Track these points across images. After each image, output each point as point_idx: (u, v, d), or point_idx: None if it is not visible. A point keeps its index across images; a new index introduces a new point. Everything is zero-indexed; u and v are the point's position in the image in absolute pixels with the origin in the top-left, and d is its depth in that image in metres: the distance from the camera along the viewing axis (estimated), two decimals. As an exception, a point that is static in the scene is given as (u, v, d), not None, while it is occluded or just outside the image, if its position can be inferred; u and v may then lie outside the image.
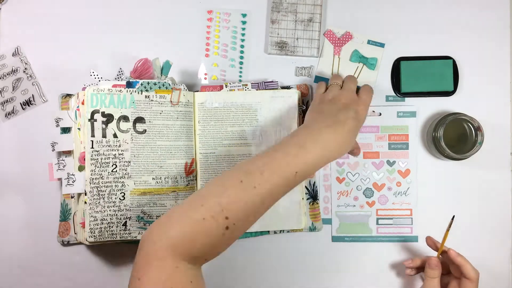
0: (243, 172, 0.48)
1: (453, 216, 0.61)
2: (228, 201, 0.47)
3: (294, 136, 0.52)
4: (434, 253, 0.62)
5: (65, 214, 0.66)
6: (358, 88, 0.61)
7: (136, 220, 0.62)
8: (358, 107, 0.56)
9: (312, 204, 0.67)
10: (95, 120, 0.62)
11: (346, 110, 0.54)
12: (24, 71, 0.70)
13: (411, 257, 0.66)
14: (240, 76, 0.70)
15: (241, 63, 0.70)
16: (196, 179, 0.66)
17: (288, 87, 0.68)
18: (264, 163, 0.49)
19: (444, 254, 0.61)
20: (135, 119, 0.63)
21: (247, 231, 0.65)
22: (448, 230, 0.61)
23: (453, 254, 0.59)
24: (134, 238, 0.62)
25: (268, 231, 0.67)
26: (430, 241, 0.63)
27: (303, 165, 0.49)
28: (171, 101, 0.64)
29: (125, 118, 0.62)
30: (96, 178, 0.61)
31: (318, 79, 0.70)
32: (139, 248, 0.47)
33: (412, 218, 0.68)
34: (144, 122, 0.63)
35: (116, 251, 0.68)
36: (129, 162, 0.62)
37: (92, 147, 0.61)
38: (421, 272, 0.65)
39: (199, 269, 0.49)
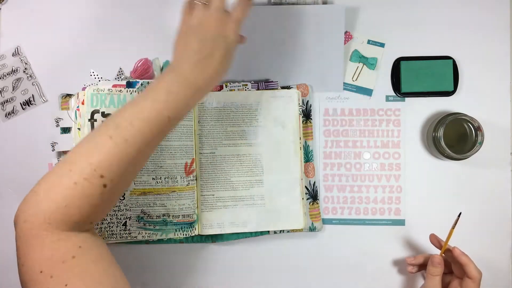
0: (112, 127, 0.45)
1: (460, 213, 0.61)
2: (100, 159, 0.43)
3: (161, 80, 0.48)
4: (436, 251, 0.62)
5: (65, 214, 0.66)
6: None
7: (136, 220, 0.62)
8: (227, 31, 0.50)
9: (312, 204, 0.67)
10: (95, 120, 0.62)
11: (213, 41, 0.49)
12: (24, 71, 0.70)
13: (413, 255, 0.66)
14: (240, 76, 0.71)
15: (241, 63, 0.71)
16: (196, 179, 0.66)
17: (288, 87, 0.68)
18: (133, 113, 0.46)
19: (447, 253, 0.61)
20: (135, 119, 0.63)
21: (248, 231, 0.66)
22: (453, 227, 0.61)
23: (458, 252, 0.58)
24: (134, 238, 0.62)
25: (268, 231, 0.67)
26: (434, 239, 0.62)
27: (174, 109, 0.47)
28: (171, 101, 0.64)
29: (125, 118, 0.62)
30: (96, 178, 0.61)
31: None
32: (15, 233, 0.44)
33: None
34: (144, 122, 0.63)
35: (116, 251, 0.68)
36: (129, 162, 0.62)
37: (92, 147, 0.61)
38: (422, 270, 0.65)
39: (89, 231, 0.46)
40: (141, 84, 0.63)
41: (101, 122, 0.61)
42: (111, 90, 0.62)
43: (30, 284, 0.41)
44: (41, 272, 0.41)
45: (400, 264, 0.68)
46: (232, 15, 0.51)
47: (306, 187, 0.67)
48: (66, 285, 0.40)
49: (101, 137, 0.45)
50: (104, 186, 0.44)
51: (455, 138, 0.65)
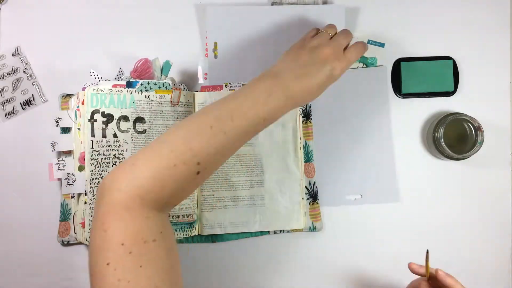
0: (213, 118, 0.48)
1: (427, 251, 0.55)
2: (200, 147, 0.46)
3: (262, 81, 0.51)
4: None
5: (65, 214, 0.66)
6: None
7: (136, 220, 0.62)
8: (337, 65, 0.53)
9: (312, 204, 0.67)
10: (95, 120, 0.62)
11: (322, 65, 0.52)
12: (24, 71, 0.70)
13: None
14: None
15: (241, 63, 0.71)
16: (196, 179, 0.66)
17: (288, 87, 0.68)
18: (233, 109, 0.48)
19: (432, 277, 0.55)
20: (135, 119, 0.63)
21: (248, 231, 0.66)
22: (427, 261, 0.55)
23: (442, 275, 0.54)
24: (134, 238, 0.62)
25: (268, 231, 0.67)
26: (415, 266, 0.57)
27: (272, 113, 0.50)
28: (171, 101, 0.64)
29: (125, 118, 0.62)
30: (96, 178, 0.61)
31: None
32: (100, 196, 0.44)
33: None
34: (144, 122, 0.63)
35: (116, 251, 0.68)
36: (129, 162, 0.62)
37: (92, 147, 0.61)
38: None
39: (167, 217, 0.48)
40: (141, 84, 0.63)
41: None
42: (111, 90, 0.62)
43: (106, 252, 0.42)
44: (122, 244, 0.41)
45: (400, 263, 0.68)
46: (346, 55, 0.54)
47: (306, 187, 0.67)
48: (140, 267, 0.41)
49: (201, 125, 0.47)
50: (198, 173, 0.46)
51: (455, 138, 0.65)
